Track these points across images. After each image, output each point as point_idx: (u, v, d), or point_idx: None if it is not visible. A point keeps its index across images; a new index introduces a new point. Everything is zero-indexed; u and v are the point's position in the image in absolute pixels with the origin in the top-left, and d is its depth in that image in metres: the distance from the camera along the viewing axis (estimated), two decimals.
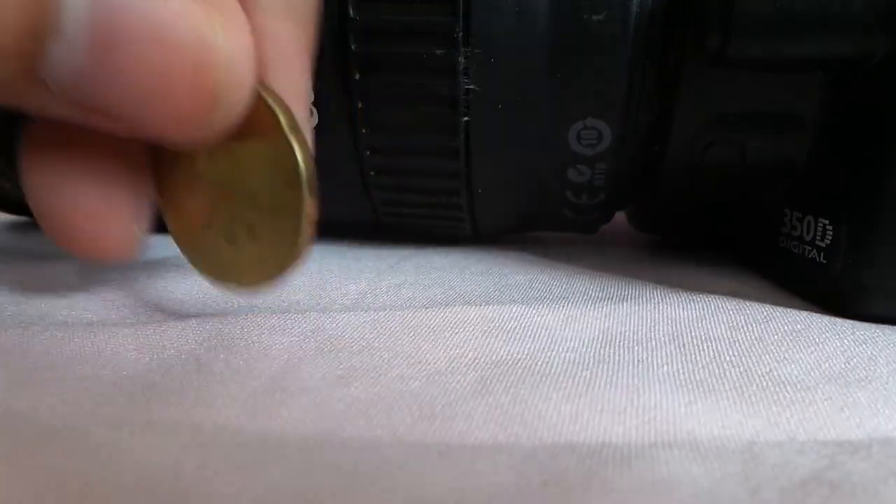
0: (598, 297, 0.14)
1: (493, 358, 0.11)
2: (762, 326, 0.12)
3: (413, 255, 0.18)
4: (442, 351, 0.11)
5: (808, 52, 0.12)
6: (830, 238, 0.13)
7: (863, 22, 0.12)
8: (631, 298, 0.14)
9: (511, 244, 0.20)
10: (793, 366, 0.11)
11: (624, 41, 0.14)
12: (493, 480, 0.08)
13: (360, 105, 0.15)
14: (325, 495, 0.07)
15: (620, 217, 0.19)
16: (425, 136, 0.15)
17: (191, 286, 0.15)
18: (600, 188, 0.16)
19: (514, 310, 0.13)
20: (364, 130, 0.15)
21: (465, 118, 0.15)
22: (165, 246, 0.19)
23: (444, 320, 0.13)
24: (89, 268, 0.17)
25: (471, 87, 0.14)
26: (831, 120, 0.13)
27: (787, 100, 0.14)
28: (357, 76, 0.14)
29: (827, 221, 0.13)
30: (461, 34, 0.14)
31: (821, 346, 0.12)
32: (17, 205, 0.21)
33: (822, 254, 0.13)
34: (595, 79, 0.14)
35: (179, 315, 0.13)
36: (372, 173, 0.16)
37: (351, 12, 0.14)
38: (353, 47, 0.14)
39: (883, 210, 0.12)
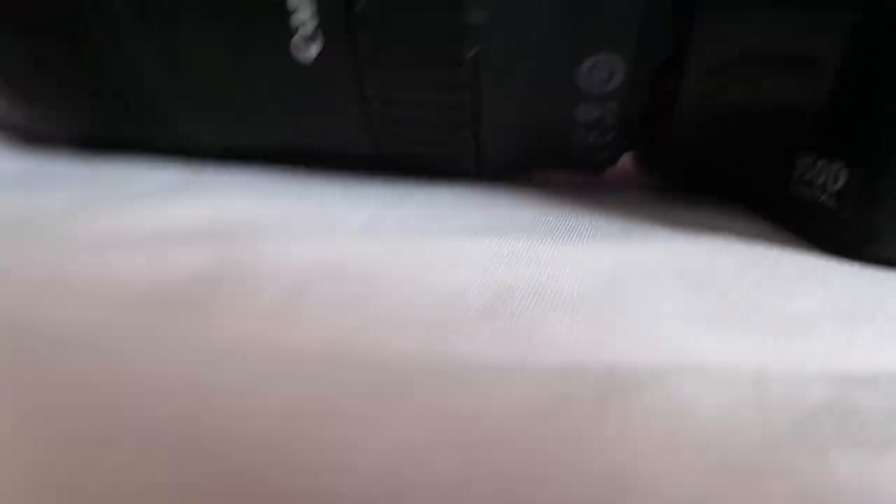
0: (605, 234, 0.14)
1: (499, 286, 0.11)
2: (770, 265, 0.12)
3: (417, 189, 0.18)
4: (449, 277, 0.11)
5: None
6: (843, 182, 0.13)
7: None
8: (638, 236, 0.14)
9: (516, 181, 0.19)
10: (800, 302, 0.11)
11: None
12: (507, 401, 0.08)
13: (362, 32, 0.14)
14: (341, 410, 0.08)
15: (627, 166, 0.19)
16: (430, 68, 0.15)
17: (197, 210, 0.15)
18: (611, 126, 0.16)
19: (521, 241, 0.13)
20: (367, 66, 0.15)
21: (473, 52, 0.14)
22: (172, 171, 0.19)
23: (450, 249, 0.13)
24: (93, 193, 0.17)
25: (478, 21, 0.14)
26: (851, 62, 0.13)
27: (805, 40, 0.13)
28: (358, 7, 0.14)
29: (841, 165, 0.13)
30: None
31: (829, 285, 0.12)
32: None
33: (833, 198, 0.13)
34: (608, 14, 0.14)
35: (187, 238, 0.13)
36: (375, 104, 0.16)
37: None
38: None
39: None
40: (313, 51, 0.15)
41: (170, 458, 0.07)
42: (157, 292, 0.10)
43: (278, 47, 0.15)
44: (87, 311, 0.09)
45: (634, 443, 0.07)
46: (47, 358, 0.09)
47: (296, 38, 0.15)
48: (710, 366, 0.09)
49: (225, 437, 0.07)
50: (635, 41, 0.14)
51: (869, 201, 0.13)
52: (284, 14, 0.14)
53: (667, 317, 0.10)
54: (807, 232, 0.15)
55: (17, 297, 0.10)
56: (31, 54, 0.17)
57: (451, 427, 0.07)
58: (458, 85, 0.15)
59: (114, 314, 0.09)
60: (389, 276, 0.12)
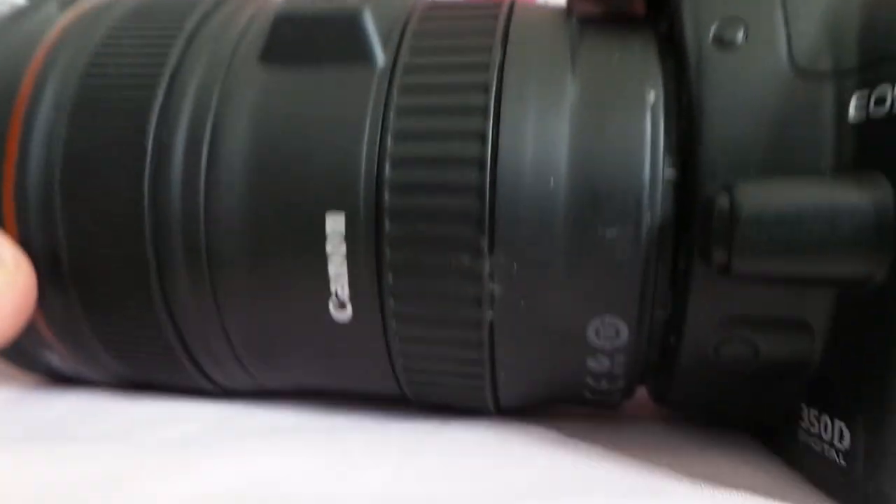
0: (620, 491, 0.15)
1: None
2: None
3: (437, 431, 0.19)
4: None
5: (807, 272, 0.13)
6: (849, 442, 0.14)
7: (857, 248, 0.13)
8: (652, 493, 0.15)
9: (533, 418, 0.20)
10: None
11: (636, 251, 0.15)
12: None
13: (392, 302, 0.16)
14: None
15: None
16: (452, 330, 0.16)
17: (219, 472, 0.16)
18: (619, 376, 0.17)
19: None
20: (395, 323, 0.16)
21: (490, 315, 0.16)
22: (201, 415, 0.19)
23: None
24: (121, 450, 0.17)
25: (495, 289, 0.15)
26: (840, 328, 0.14)
27: (794, 306, 0.14)
28: (391, 278, 0.15)
29: (843, 424, 0.14)
30: (486, 245, 0.15)
31: None
32: None
33: (841, 455, 0.14)
34: (610, 283, 0.15)
35: None
36: (401, 359, 0.17)
37: (386, 226, 0.15)
38: (388, 253, 0.15)
39: (893, 422, 0.13)
40: (348, 313, 0.16)
41: None
42: None
43: (318, 309, 0.16)
44: None
45: None
46: None
47: (333, 301, 0.16)
48: None
49: None
50: (637, 305, 0.15)
51: (875, 465, 0.13)
52: (325, 282, 0.16)
53: None
54: (819, 483, 0.15)
55: None
56: (95, 320, 0.18)
57: None
58: (477, 344, 0.16)
59: None
60: None
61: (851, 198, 0.13)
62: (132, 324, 0.18)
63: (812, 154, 0.13)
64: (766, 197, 0.13)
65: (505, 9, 0.17)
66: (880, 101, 0.12)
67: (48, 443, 0.18)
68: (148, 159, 0.16)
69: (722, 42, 0.14)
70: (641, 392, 0.20)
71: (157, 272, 0.17)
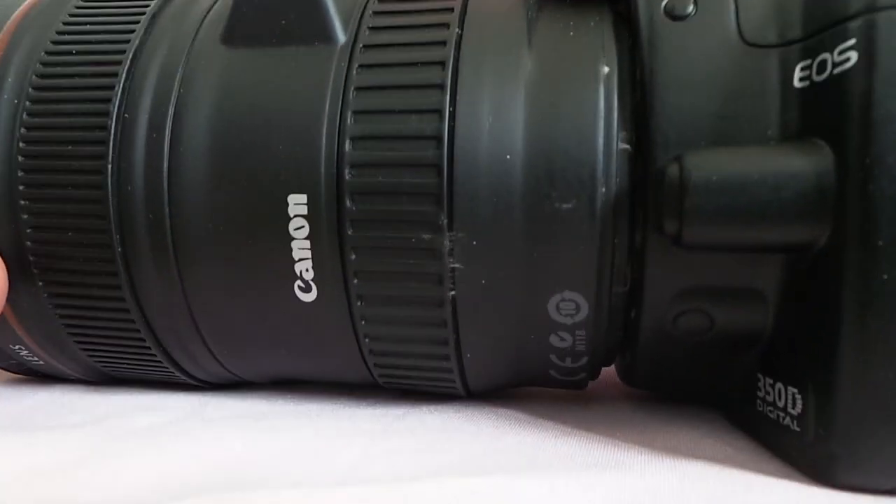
0: (582, 464, 0.15)
1: None
2: (741, 499, 0.13)
3: (407, 415, 0.19)
4: None
5: (755, 239, 0.14)
6: (801, 407, 0.14)
7: (800, 214, 0.13)
8: (614, 466, 0.15)
9: (502, 400, 0.20)
10: None
11: (592, 225, 0.15)
12: None
13: (355, 281, 0.16)
14: None
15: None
16: (416, 308, 0.16)
17: (195, 454, 0.16)
18: (583, 352, 0.17)
19: (500, 482, 0.14)
20: (359, 303, 0.16)
21: (452, 293, 0.16)
22: (175, 403, 0.20)
23: (433, 496, 0.13)
24: (97, 436, 0.17)
25: (455, 265, 0.15)
26: (790, 294, 0.14)
27: (746, 276, 0.15)
28: (353, 257, 0.16)
29: (796, 390, 0.14)
30: (446, 221, 0.15)
31: None
32: None
33: (795, 421, 0.14)
34: (568, 258, 0.15)
35: (182, 491, 0.14)
36: (367, 340, 0.17)
37: (347, 204, 0.15)
38: (349, 232, 0.15)
39: (841, 382, 0.13)
40: (313, 294, 0.16)
41: None
42: None
43: (284, 291, 0.17)
44: None
45: None
46: None
47: (298, 283, 0.16)
48: None
49: None
50: (594, 281, 0.15)
51: (824, 428, 0.13)
52: (289, 263, 0.16)
53: None
54: (777, 450, 0.15)
55: None
56: (63, 312, 0.18)
57: None
58: (440, 322, 0.16)
59: None
60: None
61: (794, 164, 0.13)
62: (101, 314, 0.18)
63: (759, 123, 0.14)
64: (713, 166, 0.13)
65: None
66: (821, 69, 0.13)
67: (15, 432, 0.18)
68: (110, 141, 0.16)
69: (673, 15, 0.14)
70: (611, 374, 0.20)
71: (123, 258, 0.17)
